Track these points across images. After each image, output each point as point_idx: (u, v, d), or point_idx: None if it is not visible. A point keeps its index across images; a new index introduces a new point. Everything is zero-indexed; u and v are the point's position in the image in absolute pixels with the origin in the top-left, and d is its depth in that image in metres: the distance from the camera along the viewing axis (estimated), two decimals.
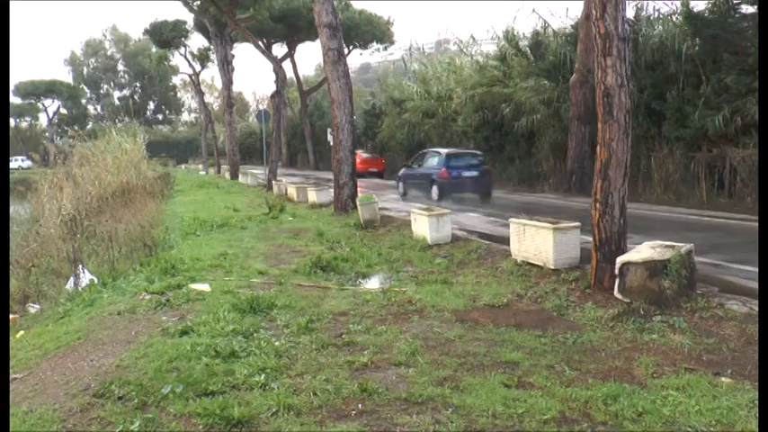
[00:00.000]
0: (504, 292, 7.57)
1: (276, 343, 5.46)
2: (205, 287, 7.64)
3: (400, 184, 21.31)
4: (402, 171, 21.68)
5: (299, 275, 8.80)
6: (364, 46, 46.73)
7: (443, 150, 20.26)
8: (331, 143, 18.53)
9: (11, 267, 12.41)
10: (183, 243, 12.00)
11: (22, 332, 7.91)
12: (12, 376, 5.51)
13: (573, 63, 20.17)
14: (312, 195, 20.45)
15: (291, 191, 23.23)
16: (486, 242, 10.63)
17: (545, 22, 23.98)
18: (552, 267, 8.01)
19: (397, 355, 5.17)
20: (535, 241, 8.37)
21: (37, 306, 9.89)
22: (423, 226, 11.43)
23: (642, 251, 6.68)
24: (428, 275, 8.88)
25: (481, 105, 25.48)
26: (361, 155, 32.68)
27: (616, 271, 6.70)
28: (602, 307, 6.55)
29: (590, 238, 7.43)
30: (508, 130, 24.10)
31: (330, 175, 18.64)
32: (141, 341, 5.67)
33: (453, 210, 12.49)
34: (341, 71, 17.14)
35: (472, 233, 11.91)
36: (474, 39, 31.52)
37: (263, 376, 4.62)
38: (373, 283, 8.61)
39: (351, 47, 44.89)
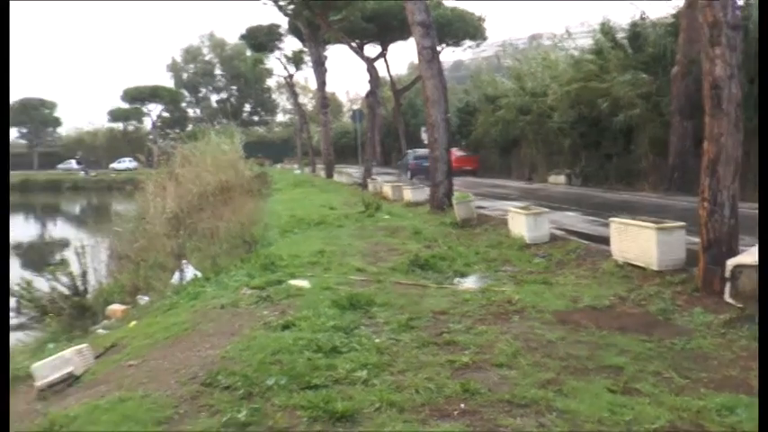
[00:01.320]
0: (606, 293, 7.32)
1: (377, 340, 5.49)
2: (304, 283, 7.79)
3: (397, 170, 37.23)
4: (398, 162, 39.19)
5: (397, 273, 8.83)
6: (456, 43, 46.36)
7: (411, 151, 36.15)
8: (425, 141, 18.68)
9: (123, 261, 13.13)
10: (281, 240, 12.27)
11: (134, 322, 8.35)
12: (128, 363, 5.84)
13: (674, 54, 19.26)
14: (407, 194, 20.52)
15: (386, 189, 23.38)
16: (585, 242, 10.36)
17: (643, 12, 22.98)
18: (656, 269, 7.69)
19: (499, 355, 5.09)
20: (637, 242, 8.07)
21: (146, 298, 10.43)
22: (520, 225, 11.26)
23: (756, 253, 6.31)
24: (527, 275, 8.74)
25: (577, 101, 24.76)
26: (455, 153, 32.53)
27: (727, 274, 6.36)
28: (712, 312, 6.22)
29: (695, 239, 7.09)
30: (605, 125, 23.33)
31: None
32: (244, 334, 5.85)
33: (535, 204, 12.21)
34: (435, 69, 17.12)
35: (570, 232, 11.64)
36: (568, 32, 30.60)
37: (364, 372, 4.65)
38: (471, 282, 8.56)
39: (443, 44, 44.66)
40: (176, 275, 10.52)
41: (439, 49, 27.03)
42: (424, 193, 19.47)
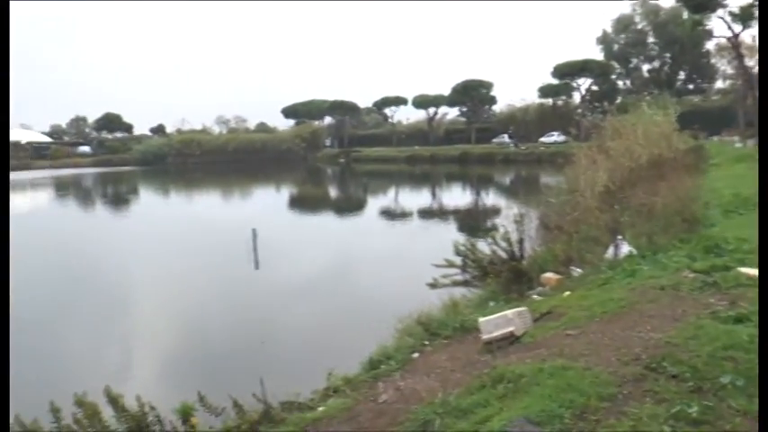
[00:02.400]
0: None
1: None
2: (756, 272, 7.00)
3: None
4: None
5: None
6: None
7: None
8: None
9: (554, 232, 13.61)
10: (724, 221, 11.32)
11: (568, 292, 8.62)
12: (566, 332, 6.05)
13: None
14: None
15: None
16: None
17: None
18: None
19: None
20: None
21: (578, 269, 10.62)
22: None
23: None
24: None
25: None
26: None
27: None
28: None
29: None
30: None
31: None
32: (689, 321, 5.52)
33: None
34: None
35: None
36: None
37: None
38: None
39: None
40: (610, 250, 10.45)
41: None
42: None
